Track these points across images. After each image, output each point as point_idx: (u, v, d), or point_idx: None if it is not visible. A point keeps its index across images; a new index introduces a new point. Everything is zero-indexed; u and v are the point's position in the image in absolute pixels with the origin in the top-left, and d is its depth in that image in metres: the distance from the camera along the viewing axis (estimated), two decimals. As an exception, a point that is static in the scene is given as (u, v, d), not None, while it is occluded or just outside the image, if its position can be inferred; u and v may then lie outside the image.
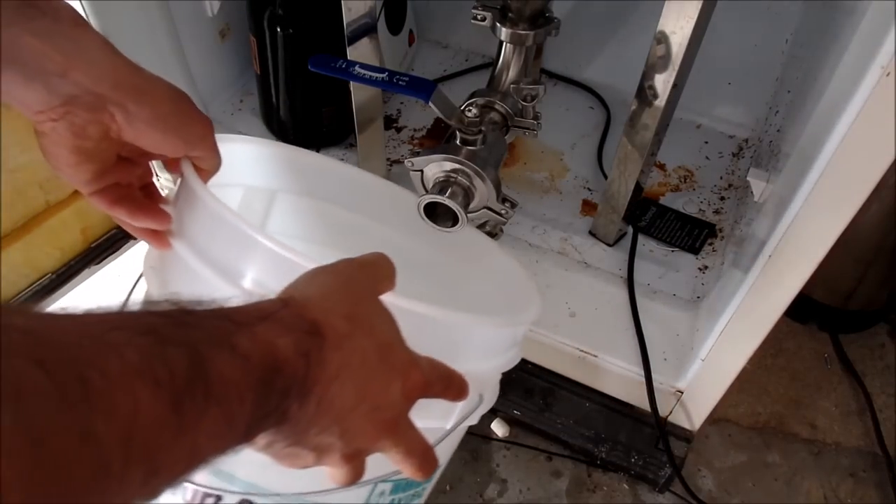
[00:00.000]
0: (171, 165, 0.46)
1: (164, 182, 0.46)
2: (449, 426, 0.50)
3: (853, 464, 0.94)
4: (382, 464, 0.42)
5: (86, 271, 1.02)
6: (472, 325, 0.48)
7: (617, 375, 0.77)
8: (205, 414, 0.25)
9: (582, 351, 0.77)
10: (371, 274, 0.38)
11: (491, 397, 0.56)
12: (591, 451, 0.87)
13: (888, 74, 0.43)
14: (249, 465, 0.47)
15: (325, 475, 0.37)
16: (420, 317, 0.42)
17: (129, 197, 0.44)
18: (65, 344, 0.22)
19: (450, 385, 0.39)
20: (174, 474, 0.25)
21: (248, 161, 0.63)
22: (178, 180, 0.45)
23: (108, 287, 1.01)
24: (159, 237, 0.45)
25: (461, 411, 0.50)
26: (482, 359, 0.51)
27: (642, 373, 0.74)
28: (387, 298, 0.38)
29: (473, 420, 0.52)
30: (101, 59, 0.38)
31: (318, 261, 0.38)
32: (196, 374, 0.25)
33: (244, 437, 0.29)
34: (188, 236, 0.44)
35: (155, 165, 0.47)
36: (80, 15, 0.38)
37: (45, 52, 0.36)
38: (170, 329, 0.26)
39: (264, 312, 0.31)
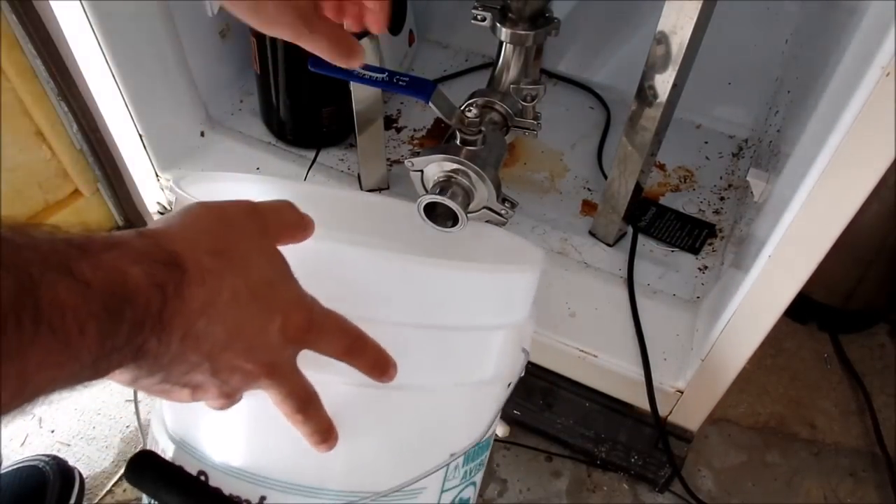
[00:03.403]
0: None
1: (163, 182, 0.44)
2: (507, 383, 0.54)
3: (853, 464, 0.94)
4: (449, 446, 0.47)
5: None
6: (488, 274, 0.50)
7: (617, 375, 0.77)
8: (34, 341, 0.24)
9: (582, 351, 0.77)
10: (261, 217, 0.36)
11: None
12: (590, 451, 0.87)
13: (888, 74, 0.43)
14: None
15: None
16: (439, 278, 0.44)
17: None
18: None
19: (356, 348, 0.37)
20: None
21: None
22: None
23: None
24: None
25: (514, 367, 0.54)
26: (515, 311, 0.54)
27: (642, 373, 0.74)
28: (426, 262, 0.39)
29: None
30: None
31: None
32: (24, 298, 0.24)
33: (92, 369, 0.27)
34: None
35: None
36: None
37: None
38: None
39: (114, 240, 0.29)
